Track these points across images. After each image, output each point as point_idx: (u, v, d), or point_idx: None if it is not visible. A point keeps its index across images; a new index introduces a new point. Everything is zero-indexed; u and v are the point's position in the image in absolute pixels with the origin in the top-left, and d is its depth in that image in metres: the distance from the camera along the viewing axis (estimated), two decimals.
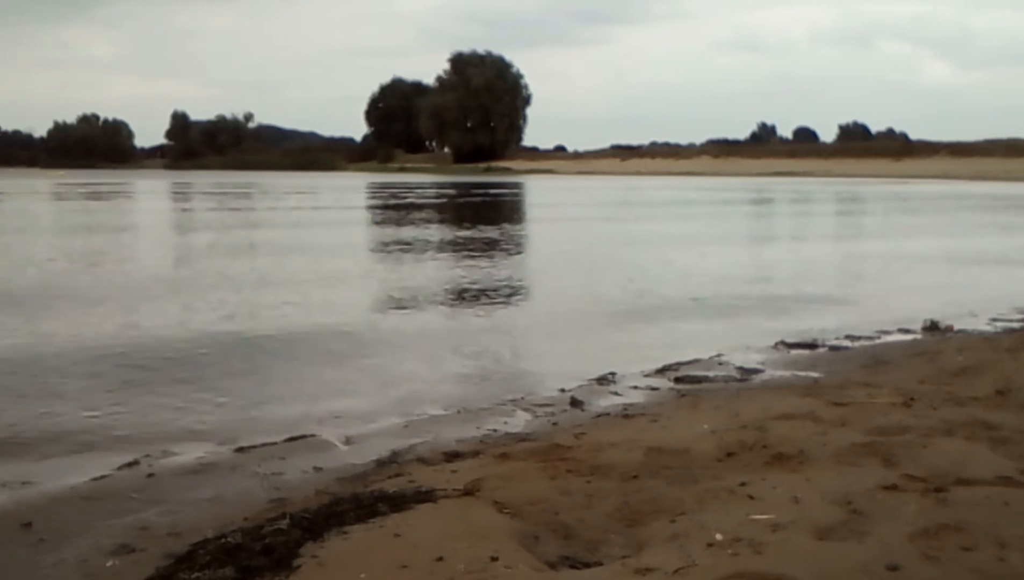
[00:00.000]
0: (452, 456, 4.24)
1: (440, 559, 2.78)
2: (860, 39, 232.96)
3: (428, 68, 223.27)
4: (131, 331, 7.38)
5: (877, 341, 7.34)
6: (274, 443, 4.59)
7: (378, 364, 6.43)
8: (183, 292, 9.89)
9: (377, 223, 22.08)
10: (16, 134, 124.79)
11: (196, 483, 4.01)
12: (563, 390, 5.69)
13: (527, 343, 7.28)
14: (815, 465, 3.62)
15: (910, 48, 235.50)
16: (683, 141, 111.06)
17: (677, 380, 5.98)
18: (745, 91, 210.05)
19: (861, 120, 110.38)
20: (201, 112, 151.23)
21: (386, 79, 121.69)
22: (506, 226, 21.28)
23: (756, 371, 6.20)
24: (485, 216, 25.36)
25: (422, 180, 65.55)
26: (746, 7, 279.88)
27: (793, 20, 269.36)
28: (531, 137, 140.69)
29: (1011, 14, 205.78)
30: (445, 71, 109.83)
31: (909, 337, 7.54)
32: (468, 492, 3.44)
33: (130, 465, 4.26)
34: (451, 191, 44.29)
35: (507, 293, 10.05)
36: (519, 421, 5.03)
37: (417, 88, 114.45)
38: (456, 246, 15.58)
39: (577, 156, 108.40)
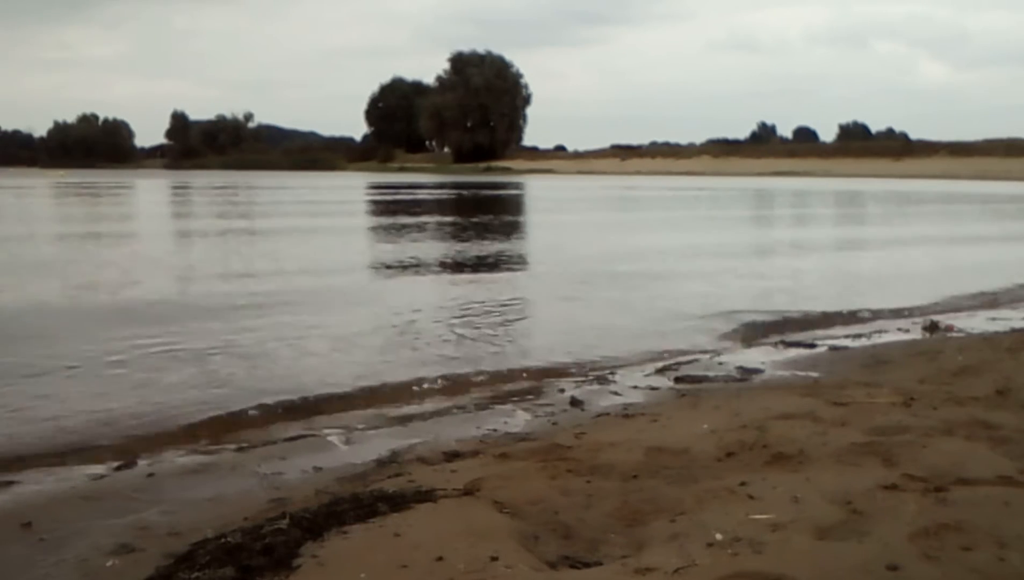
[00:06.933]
0: (452, 456, 4.24)
1: (440, 559, 2.78)
2: (855, 39, 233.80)
3: (428, 68, 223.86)
4: (131, 330, 7.38)
5: (877, 341, 7.34)
6: (274, 443, 4.59)
7: (377, 363, 6.43)
8: (185, 290, 9.90)
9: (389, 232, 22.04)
10: (16, 134, 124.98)
11: (196, 483, 4.01)
12: (563, 390, 5.69)
13: (527, 342, 7.28)
14: (815, 465, 3.62)
15: (905, 48, 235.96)
16: (683, 141, 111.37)
17: (677, 380, 5.98)
18: (745, 91, 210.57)
19: (860, 120, 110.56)
20: (201, 112, 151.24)
21: (386, 79, 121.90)
22: (513, 227, 21.28)
23: (756, 371, 6.19)
24: (493, 214, 25.36)
25: (425, 180, 65.51)
26: (743, 7, 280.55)
27: (788, 20, 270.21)
28: (531, 137, 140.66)
29: (1005, 15, 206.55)
30: (445, 71, 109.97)
31: (909, 337, 7.54)
32: (468, 492, 3.44)
33: (130, 465, 4.26)
34: (457, 191, 44.29)
35: (508, 293, 10.05)
36: (519, 421, 5.02)
37: (417, 88, 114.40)
38: (459, 260, 15.57)
39: (577, 156, 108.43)
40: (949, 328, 7.81)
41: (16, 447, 4.50)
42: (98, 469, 4.20)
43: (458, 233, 18.70)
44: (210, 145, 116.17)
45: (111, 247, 15.33)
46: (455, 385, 5.89)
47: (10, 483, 4.00)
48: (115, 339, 7.00)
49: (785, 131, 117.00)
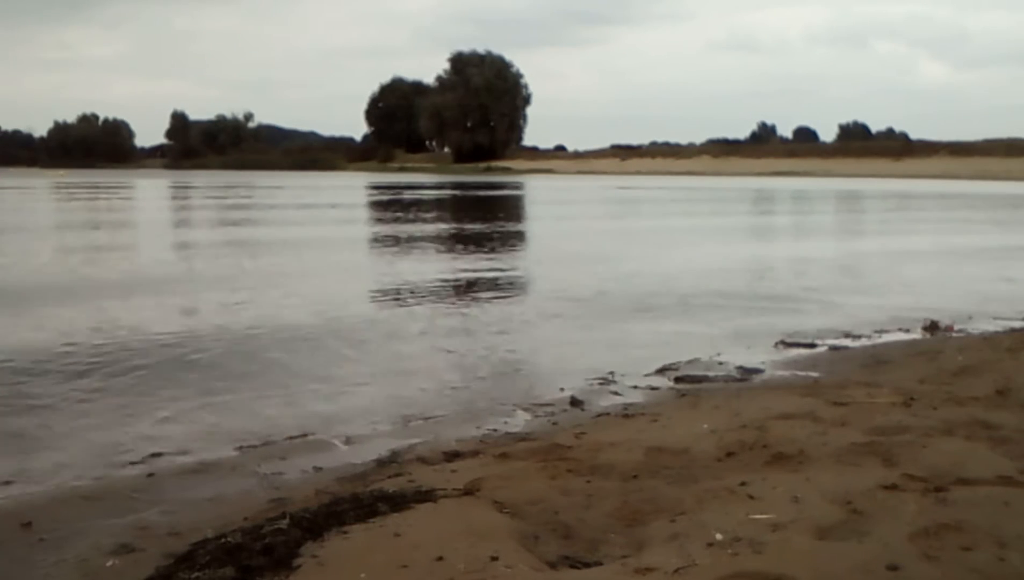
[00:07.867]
0: (452, 456, 4.24)
1: (440, 559, 2.78)
2: (855, 39, 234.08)
3: (428, 68, 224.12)
4: (131, 330, 7.37)
5: (877, 341, 7.33)
6: (274, 443, 4.58)
7: (377, 363, 6.42)
8: (184, 290, 9.90)
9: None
10: (16, 134, 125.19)
11: (196, 483, 4.01)
12: (563, 390, 5.68)
13: (527, 343, 7.27)
14: (815, 465, 3.62)
15: (905, 48, 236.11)
16: (683, 141, 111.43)
17: (677, 380, 5.98)
18: (745, 91, 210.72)
19: (860, 120, 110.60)
20: (201, 112, 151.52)
21: (386, 79, 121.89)
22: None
23: (756, 371, 6.19)
24: (494, 218, 25.34)
25: (425, 180, 65.46)
26: (743, 7, 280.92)
27: (788, 20, 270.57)
28: (531, 137, 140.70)
29: (1005, 15, 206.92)
30: (445, 71, 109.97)
31: (909, 337, 7.54)
32: (468, 492, 3.44)
33: (130, 465, 4.26)
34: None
35: (508, 296, 10.05)
36: (519, 421, 5.02)
37: (417, 88, 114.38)
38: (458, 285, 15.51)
39: (577, 156, 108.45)
40: (949, 328, 7.81)
41: (16, 445, 4.50)
42: (98, 469, 4.19)
43: (457, 241, 18.68)
44: (210, 145, 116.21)
45: (111, 258, 15.33)
46: (454, 384, 5.88)
47: (10, 483, 4.00)
48: (113, 337, 7.01)
49: (785, 131, 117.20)
